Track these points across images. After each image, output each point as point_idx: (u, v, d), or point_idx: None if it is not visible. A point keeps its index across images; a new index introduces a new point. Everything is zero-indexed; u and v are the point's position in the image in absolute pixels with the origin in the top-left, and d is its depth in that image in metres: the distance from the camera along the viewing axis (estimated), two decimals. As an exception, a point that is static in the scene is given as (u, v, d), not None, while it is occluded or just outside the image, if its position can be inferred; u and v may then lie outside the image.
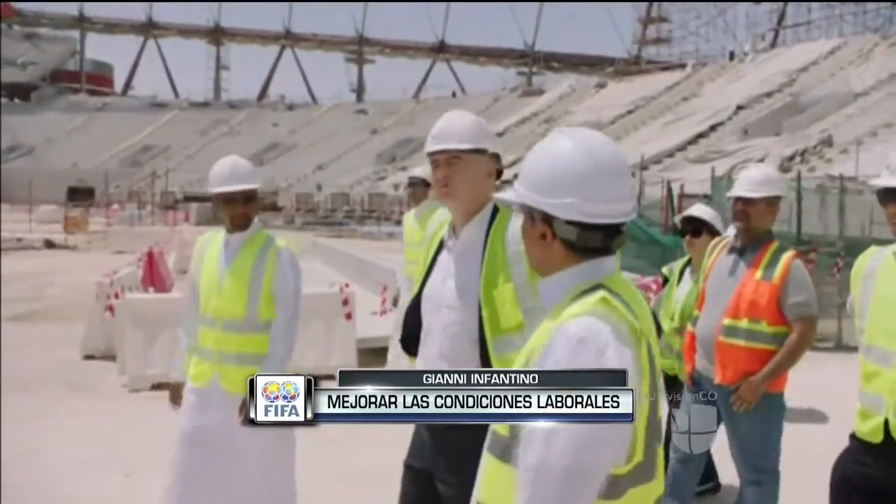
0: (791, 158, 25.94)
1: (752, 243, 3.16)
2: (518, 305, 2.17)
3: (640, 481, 1.37)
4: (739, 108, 36.32)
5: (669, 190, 13.57)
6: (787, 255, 3.10)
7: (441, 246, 2.31)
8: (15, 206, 35.28)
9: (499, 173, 2.33)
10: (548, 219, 1.39)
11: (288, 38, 75.52)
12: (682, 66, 52.08)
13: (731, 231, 3.39)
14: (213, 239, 3.18)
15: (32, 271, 15.26)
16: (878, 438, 2.19)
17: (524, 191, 1.41)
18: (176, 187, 46.24)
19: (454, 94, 65.70)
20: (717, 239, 3.45)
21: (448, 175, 2.21)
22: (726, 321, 3.10)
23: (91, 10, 74.61)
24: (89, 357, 7.33)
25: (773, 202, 3.17)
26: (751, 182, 3.15)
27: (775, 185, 3.18)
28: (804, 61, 40.43)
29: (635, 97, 46.10)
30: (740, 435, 3.14)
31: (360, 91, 74.31)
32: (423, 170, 5.51)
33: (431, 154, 2.26)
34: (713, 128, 35.09)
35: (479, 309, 2.17)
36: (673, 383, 3.78)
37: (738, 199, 3.15)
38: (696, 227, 3.82)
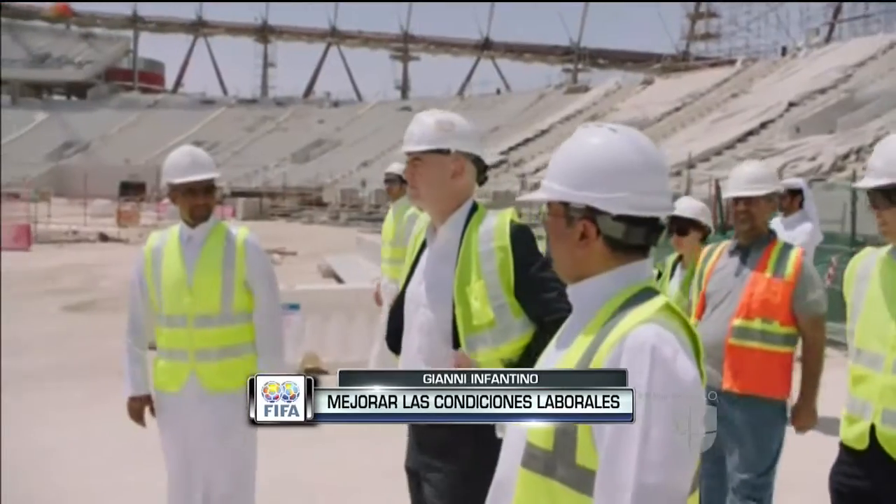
0: (845, 157, 25.18)
1: (756, 242, 3.05)
2: (489, 303, 2.19)
3: None
4: (791, 104, 35.38)
5: (718, 189, 13.33)
6: (796, 252, 3.03)
7: (424, 245, 2.36)
8: (71, 201, 36.43)
9: (483, 170, 2.35)
10: (591, 216, 1.33)
11: (334, 36, 76.24)
12: (732, 62, 50.96)
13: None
14: (167, 237, 3.03)
15: (87, 263, 15.77)
16: (863, 445, 2.11)
17: (563, 188, 1.35)
18: (223, 183, 47.10)
19: (498, 92, 65.45)
20: (710, 246, 3.30)
21: (412, 176, 2.27)
22: (737, 322, 2.96)
23: (144, 10, 76.34)
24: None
25: (772, 198, 3.11)
26: (748, 180, 3.06)
27: (773, 181, 3.13)
28: (861, 56, 39.16)
29: (682, 94, 45.29)
30: (744, 447, 2.95)
31: (404, 88, 74.65)
32: (398, 166, 5.48)
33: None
34: (763, 125, 34.26)
35: (453, 307, 2.21)
36: None
37: (739, 199, 3.04)
38: (682, 226, 3.72)
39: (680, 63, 57.29)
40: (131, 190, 46.72)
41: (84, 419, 5.34)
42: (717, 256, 3.14)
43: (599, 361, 1.25)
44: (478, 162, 2.34)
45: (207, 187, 2.98)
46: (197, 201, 2.95)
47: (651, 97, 47.43)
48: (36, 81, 70.79)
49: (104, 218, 29.01)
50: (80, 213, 29.00)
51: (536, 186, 1.66)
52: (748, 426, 2.93)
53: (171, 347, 2.95)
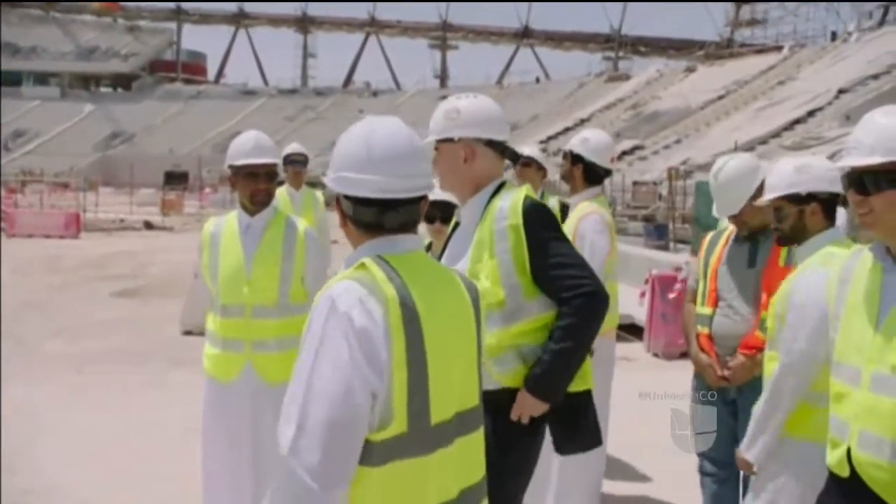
0: (898, 145, 24.38)
1: (763, 232, 2.89)
2: (500, 282, 2.19)
3: (404, 454, 1.37)
4: (841, 91, 34.35)
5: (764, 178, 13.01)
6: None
7: (455, 227, 2.42)
8: (118, 190, 37.28)
9: (504, 153, 2.33)
10: (338, 198, 1.53)
11: (373, 25, 76.38)
12: (779, 48, 49.63)
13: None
14: (224, 224, 2.95)
15: (134, 250, 16.12)
16: (844, 472, 1.83)
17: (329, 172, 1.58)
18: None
19: (538, 80, 64.89)
20: (712, 234, 3.15)
21: (434, 166, 2.32)
22: (764, 315, 2.77)
23: (186, 2, 77.50)
24: (188, 333, 7.70)
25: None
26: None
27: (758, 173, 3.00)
28: (915, 41, 37.82)
29: (727, 81, 44.30)
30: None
31: (443, 77, 74.46)
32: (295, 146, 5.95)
33: None
34: (811, 113, 33.35)
35: None
36: None
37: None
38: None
39: (724, 50, 55.99)
40: (175, 179, 47.54)
41: (136, 404, 5.45)
42: (723, 246, 3.00)
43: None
44: (494, 144, 2.31)
45: (269, 172, 2.90)
46: (258, 186, 2.87)
47: (694, 85, 46.50)
48: (84, 74, 72.40)
49: (149, 206, 29.60)
50: (126, 201, 29.66)
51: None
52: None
53: (226, 337, 2.87)
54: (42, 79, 70.55)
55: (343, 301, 1.39)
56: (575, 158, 3.44)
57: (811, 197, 2.39)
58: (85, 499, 3.89)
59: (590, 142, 3.44)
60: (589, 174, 3.44)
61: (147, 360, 6.78)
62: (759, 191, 2.85)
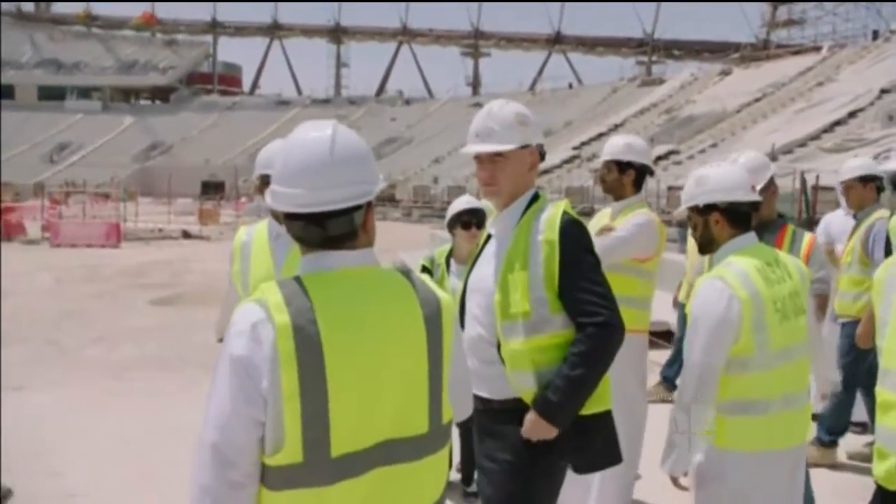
0: (944, 146, 23.72)
1: (768, 228, 3.15)
2: (528, 294, 2.17)
3: (300, 483, 1.33)
4: (884, 91, 33.50)
5: (804, 181, 12.76)
6: (809, 235, 3.20)
7: (490, 236, 2.40)
8: (156, 200, 38.02)
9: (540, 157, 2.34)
10: None
11: (405, 34, 76.93)
12: (817, 48, 48.66)
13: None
14: (256, 232, 2.95)
15: (172, 259, 16.42)
16: (893, 485, 1.79)
17: None
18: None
19: (570, 86, 64.61)
20: None
21: (492, 174, 2.30)
22: None
23: (222, 15, 79.18)
24: (222, 340, 7.78)
25: (767, 186, 3.21)
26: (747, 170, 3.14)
27: (766, 168, 3.26)
28: (960, 39, 36.76)
29: (763, 84, 43.56)
30: None
31: (475, 84, 74.62)
32: None
33: None
34: (852, 114, 32.59)
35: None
36: None
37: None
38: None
39: (760, 52, 55.11)
40: (211, 189, 48.40)
41: (171, 409, 5.54)
42: None
43: None
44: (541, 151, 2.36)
45: None
46: None
47: (729, 88, 45.81)
48: (124, 87, 74.24)
49: (186, 216, 30.12)
50: (164, 211, 30.21)
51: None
52: None
53: None
54: (85, 93, 72.55)
55: (235, 326, 1.36)
56: (623, 166, 3.37)
57: (711, 207, 2.44)
58: (110, 499, 3.96)
59: (635, 146, 3.42)
60: (639, 179, 3.41)
61: (182, 367, 6.89)
62: (769, 183, 3.19)
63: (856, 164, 4.62)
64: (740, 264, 2.31)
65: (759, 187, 3.00)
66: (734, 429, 2.25)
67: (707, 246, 2.51)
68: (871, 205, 4.44)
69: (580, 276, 2.15)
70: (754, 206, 2.45)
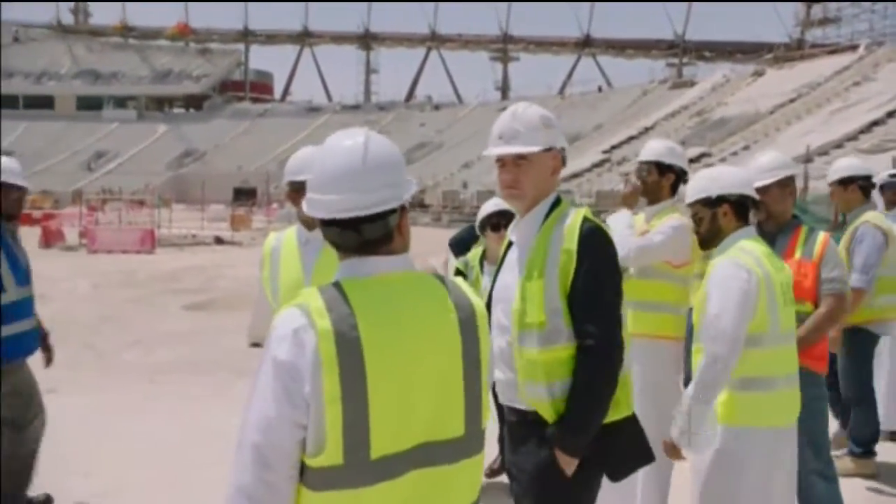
0: None
1: (781, 228, 3.20)
2: (544, 304, 2.14)
3: (340, 485, 1.35)
4: (923, 91, 32.78)
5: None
6: (823, 234, 3.21)
7: (511, 243, 2.36)
8: (189, 206, 38.64)
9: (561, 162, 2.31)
10: None
11: (434, 40, 77.20)
12: (854, 47, 47.67)
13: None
14: (285, 238, 2.95)
15: (205, 265, 16.66)
16: None
17: None
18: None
19: (600, 89, 64.19)
20: None
21: (516, 177, 2.28)
22: None
23: (254, 23, 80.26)
24: (255, 345, 7.89)
25: (785, 184, 3.21)
26: (759, 169, 3.21)
27: (783, 168, 3.24)
28: None
29: (797, 84, 42.82)
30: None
31: (504, 89, 74.55)
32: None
33: None
34: (890, 114, 31.88)
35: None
36: None
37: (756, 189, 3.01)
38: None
39: (794, 52, 54.16)
40: (243, 195, 48.97)
41: (203, 412, 5.62)
42: None
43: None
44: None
45: None
46: None
47: (762, 89, 45.11)
48: (159, 96, 75.67)
49: (219, 222, 30.53)
50: (197, 217, 30.68)
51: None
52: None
53: None
54: (121, 102, 74.09)
55: (277, 331, 1.39)
56: (664, 168, 3.35)
57: (722, 199, 2.63)
58: (142, 500, 4.04)
59: (676, 150, 3.42)
60: (676, 184, 3.39)
61: (215, 371, 6.99)
62: (786, 180, 3.21)
63: (838, 165, 4.55)
64: (751, 248, 2.54)
65: (762, 184, 3.11)
66: (746, 405, 2.47)
67: (711, 240, 2.67)
68: (858, 206, 4.36)
69: (590, 289, 2.11)
70: (755, 203, 2.70)
